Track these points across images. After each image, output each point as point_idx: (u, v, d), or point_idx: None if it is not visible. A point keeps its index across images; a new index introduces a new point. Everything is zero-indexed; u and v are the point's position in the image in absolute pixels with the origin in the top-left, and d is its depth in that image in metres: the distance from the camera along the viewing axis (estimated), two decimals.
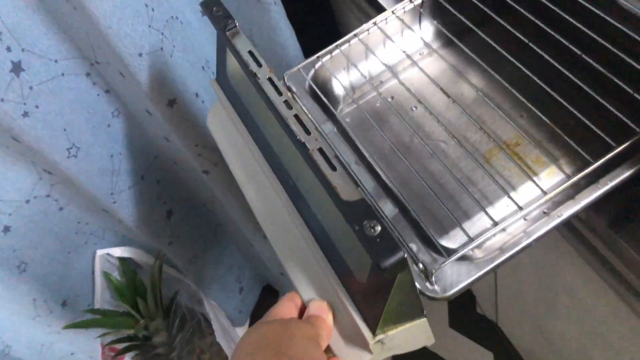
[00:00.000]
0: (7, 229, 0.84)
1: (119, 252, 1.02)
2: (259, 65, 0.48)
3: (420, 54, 0.68)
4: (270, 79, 0.47)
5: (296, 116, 0.44)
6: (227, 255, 1.22)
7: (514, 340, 1.18)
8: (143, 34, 0.72)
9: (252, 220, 1.05)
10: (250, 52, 0.49)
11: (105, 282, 1.02)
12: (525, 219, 0.50)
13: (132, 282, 1.03)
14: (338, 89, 0.67)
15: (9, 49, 0.68)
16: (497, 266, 0.46)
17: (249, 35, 0.87)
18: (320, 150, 0.41)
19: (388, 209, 0.52)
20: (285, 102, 0.45)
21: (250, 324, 1.37)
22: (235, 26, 0.50)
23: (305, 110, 0.61)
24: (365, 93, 0.68)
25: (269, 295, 1.40)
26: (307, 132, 0.42)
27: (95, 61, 0.79)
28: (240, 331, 1.36)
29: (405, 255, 0.34)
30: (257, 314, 1.38)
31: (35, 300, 0.91)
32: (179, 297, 1.10)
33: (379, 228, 0.35)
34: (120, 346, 1.02)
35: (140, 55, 0.72)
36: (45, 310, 0.94)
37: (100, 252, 1.00)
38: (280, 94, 0.45)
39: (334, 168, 0.40)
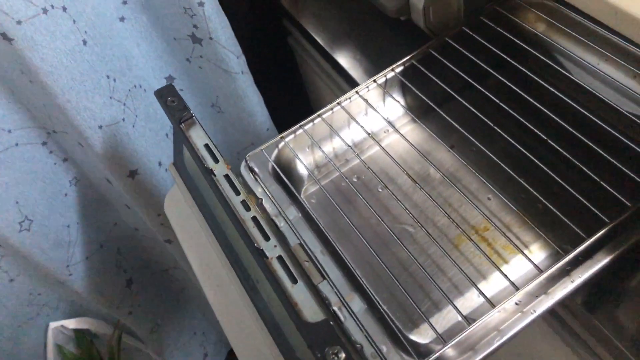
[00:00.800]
0: None
1: (73, 323, 0.97)
2: (216, 160, 0.46)
3: (385, 132, 0.67)
4: (227, 176, 0.44)
5: (254, 218, 0.42)
6: (190, 320, 1.17)
7: None
8: (103, 106, 0.70)
9: None
10: (207, 146, 0.47)
11: (58, 356, 0.96)
12: (499, 311, 0.48)
13: (88, 354, 0.97)
14: (302, 168, 0.65)
15: None
16: None
17: (215, 102, 0.85)
18: (280, 259, 0.39)
19: (356, 304, 0.49)
20: (243, 202, 0.43)
21: None
22: (192, 117, 0.48)
23: (269, 194, 0.58)
24: (331, 172, 0.66)
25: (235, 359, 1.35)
26: (266, 238, 0.40)
27: (53, 130, 0.76)
28: None
29: None
30: None
31: None
32: None
33: (342, 355, 0.33)
34: None
35: (100, 127, 0.70)
36: None
37: (52, 324, 0.95)
38: (237, 193, 0.43)
39: (294, 280, 0.38)
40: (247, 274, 0.47)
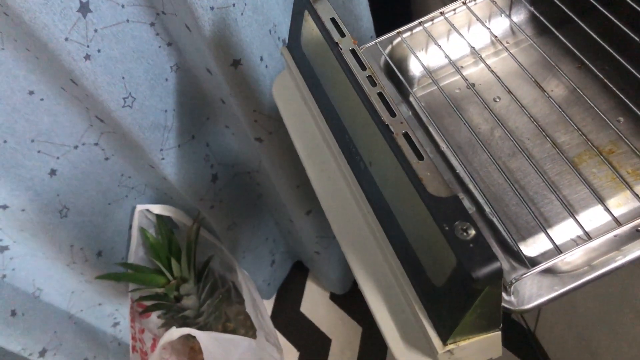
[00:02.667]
0: (53, 172, 0.83)
1: (158, 209, 1.00)
2: (342, 35, 0.43)
3: (507, 42, 0.63)
4: (353, 51, 0.42)
5: (380, 94, 0.40)
6: (264, 227, 1.20)
7: (552, 354, 1.13)
8: None
9: (297, 196, 1.02)
10: (333, 20, 0.44)
11: (141, 238, 1.00)
12: (615, 235, 0.45)
13: (167, 241, 1.01)
14: (415, 68, 0.62)
15: None
16: (584, 284, 0.42)
17: None
18: (406, 136, 0.37)
19: (465, 205, 0.47)
20: (369, 77, 0.41)
21: (277, 298, 1.35)
22: None
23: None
24: (443, 77, 0.63)
25: (299, 271, 1.38)
26: (392, 114, 0.38)
27: (162, 11, 0.76)
28: (267, 304, 1.34)
29: (501, 266, 0.30)
30: (285, 288, 1.36)
31: (72, 246, 0.90)
32: (212, 262, 1.08)
33: (472, 232, 0.31)
34: (148, 303, 1.01)
35: (212, 8, 0.69)
36: (81, 258, 0.93)
37: (139, 207, 0.98)
38: (364, 68, 0.41)
39: (420, 157, 0.36)
40: (359, 156, 0.45)
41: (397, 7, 0.99)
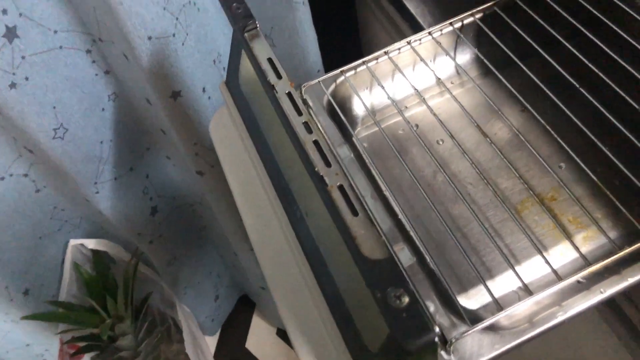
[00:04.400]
0: None
1: (93, 244, 0.95)
2: (279, 76, 0.41)
3: (452, 83, 0.62)
4: (289, 94, 0.40)
5: (316, 142, 0.37)
6: (207, 260, 1.15)
7: None
8: (156, 16, 0.65)
9: (241, 229, 0.98)
10: (270, 60, 0.42)
11: (74, 273, 0.94)
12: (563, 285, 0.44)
13: (103, 277, 0.96)
14: (358, 108, 0.61)
15: (4, 12, 0.61)
16: (526, 341, 0.40)
17: (268, 33, 0.80)
18: (341, 188, 0.35)
19: (405, 256, 0.46)
20: (305, 124, 0.38)
21: (221, 334, 1.30)
22: (256, 27, 0.44)
23: (322, 129, 0.54)
24: (387, 117, 0.62)
25: (245, 306, 1.33)
26: (328, 164, 0.36)
27: (99, 38, 0.72)
28: (210, 341, 1.29)
29: (437, 339, 0.27)
30: (230, 324, 1.31)
31: None
32: (152, 299, 1.03)
33: (406, 299, 0.29)
34: (81, 344, 0.94)
35: (149, 38, 0.66)
36: (5, 297, 0.86)
37: (73, 241, 0.93)
38: (300, 113, 0.39)
39: (355, 213, 0.34)
40: (295, 205, 0.43)
41: (346, 40, 0.99)
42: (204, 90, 0.76)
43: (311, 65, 0.82)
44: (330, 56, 0.89)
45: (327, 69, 0.89)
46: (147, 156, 0.90)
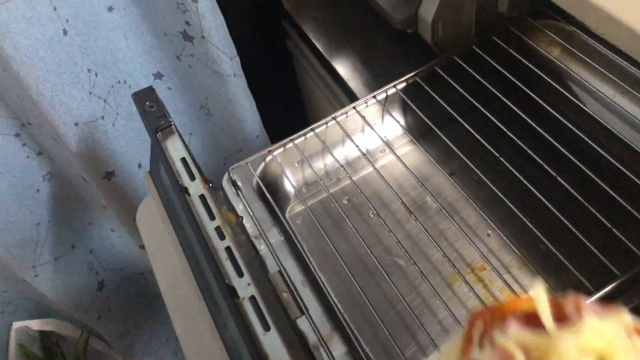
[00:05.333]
0: None
1: (38, 324, 0.91)
2: (192, 177, 0.41)
3: (381, 152, 0.63)
4: (202, 197, 0.40)
5: (228, 249, 0.37)
6: (163, 327, 1.12)
7: None
8: (81, 102, 0.65)
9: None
10: (184, 160, 0.42)
11: (21, 357, 0.91)
12: None
13: (52, 358, 0.92)
14: (289, 186, 0.61)
15: None
16: None
17: (204, 103, 0.80)
18: (253, 300, 0.34)
19: (336, 346, 0.45)
20: (217, 229, 0.38)
21: None
22: (170, 125, 0.43)
23: (251, 212, 0.54)
24: (320, 191, 0.62)
25: None
26: (240, 274, 0.36)
27: (27, 122, 0.71)
28: None
29: None
30: None
31: None
32: None
33: None
34: None
35: (76, 124, 0.65)
36: None
37: (17, 324, 0.89)
38: (212, 218, 0.39)
39: (267, 327, 0.33)
40: (217, 307, 0.42)
41: (290, 104, 1.00)
42: (139, 166, 0.75)
43: (250, 132, 0.82)
44: (276, 120, 0.89)
45: (272, 133, 0.89)
46: (90, 231, 0.88)
